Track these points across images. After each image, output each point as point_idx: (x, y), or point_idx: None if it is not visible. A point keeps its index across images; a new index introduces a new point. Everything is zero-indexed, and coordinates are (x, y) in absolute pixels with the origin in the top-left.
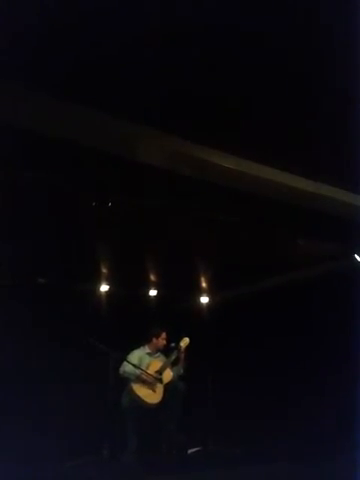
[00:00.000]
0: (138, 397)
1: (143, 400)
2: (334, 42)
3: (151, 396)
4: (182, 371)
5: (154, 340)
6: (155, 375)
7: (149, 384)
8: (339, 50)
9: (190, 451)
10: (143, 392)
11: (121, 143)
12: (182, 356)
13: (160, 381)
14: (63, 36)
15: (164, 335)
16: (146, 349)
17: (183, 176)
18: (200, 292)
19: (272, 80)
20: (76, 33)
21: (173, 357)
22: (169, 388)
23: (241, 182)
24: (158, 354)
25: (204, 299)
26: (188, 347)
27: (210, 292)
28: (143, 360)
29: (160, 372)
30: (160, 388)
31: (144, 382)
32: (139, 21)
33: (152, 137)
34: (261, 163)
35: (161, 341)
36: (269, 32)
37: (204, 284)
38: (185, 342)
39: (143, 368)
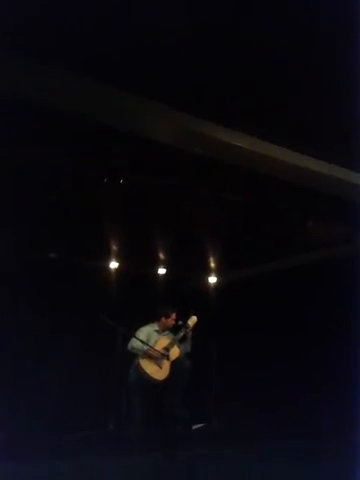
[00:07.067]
0: (145, 373)
1: (150, 376)
2: (340, 22)
3: (158, 372)
4: (189, 349)
5: (163, 319)
6: (162, 352)
7: (156, 360)
8: (342, 29)
9: (194, 427)
10: (150, 368)
11: (133, 120)
12: (189, 334)
13: (167, 358)
14: (76, 10)
15: (174, 316)
16: (155, 326)
17: (194, 154)
18: (208, 272)
19: (284, 60)
20: (89, 8)
21: (181, 335)
22: (176, 365)
23: (252, 162)
24: (166, 332)
25: (212, 279)
26: (196, 325)
27: (218, 272)
28: (151, 337)
29: (167, 349)
30: (167, 365)
31: (151, 358)
32: None
33: (164, 114)
34: (272, 142)
35: (170, 321)
36: (277, 9)
37: (212, 264)
38: (193, 321)
39: (151, 344)
